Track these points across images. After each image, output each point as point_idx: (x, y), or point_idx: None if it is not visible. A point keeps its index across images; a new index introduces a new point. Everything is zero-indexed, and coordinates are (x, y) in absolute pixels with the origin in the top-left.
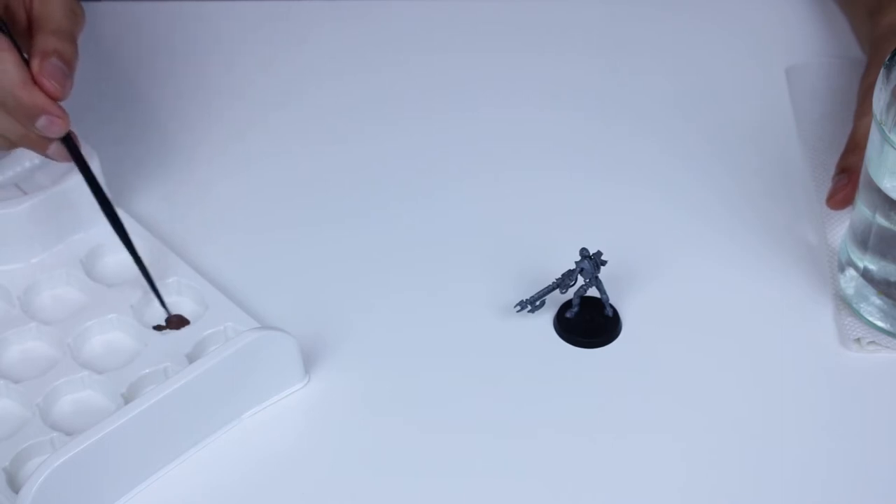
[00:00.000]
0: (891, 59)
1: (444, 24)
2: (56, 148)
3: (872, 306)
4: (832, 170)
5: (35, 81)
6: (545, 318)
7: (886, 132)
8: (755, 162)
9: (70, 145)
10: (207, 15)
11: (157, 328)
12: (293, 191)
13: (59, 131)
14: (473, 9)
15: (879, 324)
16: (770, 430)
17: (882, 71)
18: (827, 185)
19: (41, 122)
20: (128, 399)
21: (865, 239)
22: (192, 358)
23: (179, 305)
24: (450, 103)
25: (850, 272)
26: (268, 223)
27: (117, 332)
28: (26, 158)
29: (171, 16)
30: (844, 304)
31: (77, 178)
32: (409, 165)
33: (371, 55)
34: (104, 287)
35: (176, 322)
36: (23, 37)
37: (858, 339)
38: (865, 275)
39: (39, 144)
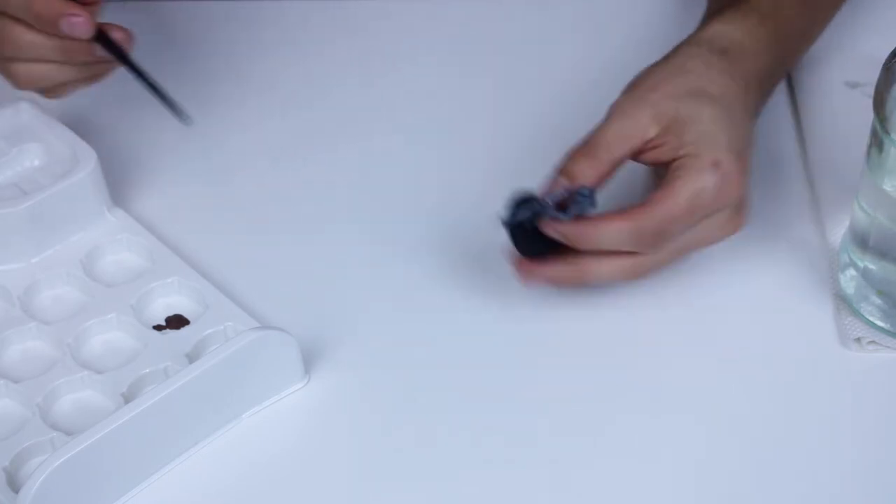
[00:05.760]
0: (891, 59)
1: (437, 24)
2: (98, 48)
3: (872, 306)
4: (833, 169)
5: None
6: (549, 319)
7: (888, 132)
8: (755, 162)
9: (107, 42)
10: (209, 15)
11: (157, 328)
12: (293, 191)
13: (85, 30)
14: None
15: (879, 324)
16: (770, 429)
17: (882, 71)
18: (827, 184)
19: (64, 25)
20: (128, 399)
21: (865, 239)
22: (192, 358)
23: (179, 305)
24: (451, 103)
25: (850, 272)
26: (268, 223)
27: (117, 331)
28: (26, 158)
29: (172, 15)
30: (844, 303)
31: (77, 178)
32: (409, 166)
33: (372, 56)
34: (104, 287)
35: (176, 322)
36: None
37: (858, 339)
38: (865, 275)
39: (84, 50)
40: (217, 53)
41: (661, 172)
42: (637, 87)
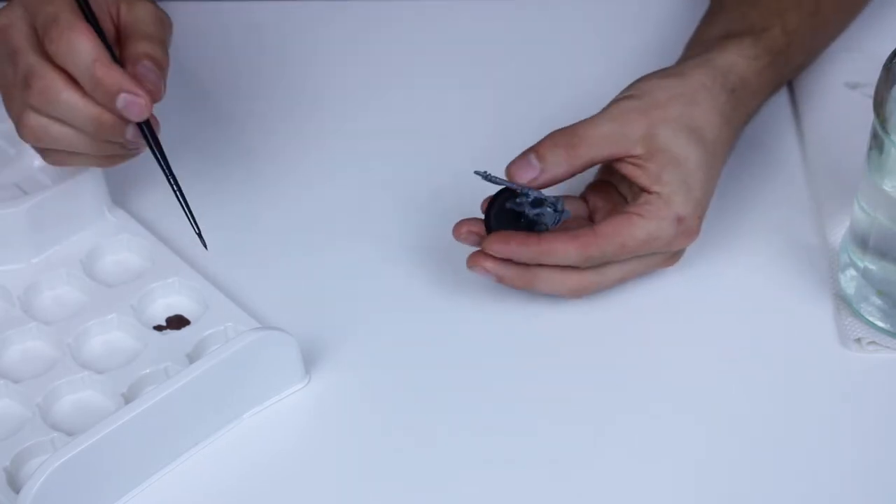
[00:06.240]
0: (891, 59)
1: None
2: (133, 132)
3: (872, 306)
4: (833, 169)
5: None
6: (549, 319)
7: (888, 132)
8: (755, 162)
9: (147, 131)
10: (209, 15)
11: (158, 328)
12: (294, 191)
13: (140, 112)
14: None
15: (879, 324)
16: (770, 430)
17: (882, 71)
18: (827, 184)
19: (121, 100)
20: (128, 399)
21: (866, 239)
22: (192, 358)
23: (179, 305)
24: (452, 107)
25: (850, 272)
26: (268, 223)
27: (117, 332)
28: (26, 158)
29: (172, 15)
30: (844, 304)
31: (77, 178)
32: (410, 167)
33: (374, 59)
34: (104, 287)
35: (176, 322)
36: (112, 46)
37: (858, 339)
38: (865, 275)
39: (116, 128)
40: (217, 54)
41: (615, 178)
42: (642, 96)
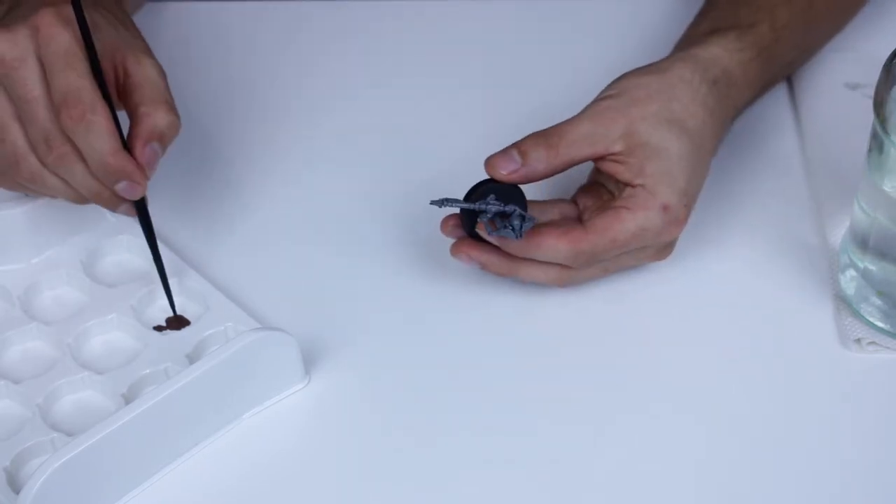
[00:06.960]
0: (891, 59)
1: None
2: (127, 207)
3: (872, 306)
4: (833, 169)
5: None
6: (549, 319)
7: (888, 133)
8: (755, 161)
9: (140, 206)
10: (208, 16)
11: (158, 328)
12: (294, 191)
13: (136, 195)
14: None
15: (879, 324)
16: (770, 430)
17: (882, 71)
18: (827, 184)
19: (122, 185)
20: (128, 399)
21: (866, 239)
22: (192, 358)
23: (180, 305)
24: (451, 107)
25: (850, 272)
26: (268, 224)
27: (117, 332)
28: None
29: (173, 15)
30: (844, 304)
31: None
32: (409, 168)
33: (377, 58)
34: (104, 287)
35: (176, 322)
36: (112, 92)
37: (858, 340)
38: (865, 275)
39: (112, 202)
40: (217, 55)
41: (603, 178)
42: (621, 95)
